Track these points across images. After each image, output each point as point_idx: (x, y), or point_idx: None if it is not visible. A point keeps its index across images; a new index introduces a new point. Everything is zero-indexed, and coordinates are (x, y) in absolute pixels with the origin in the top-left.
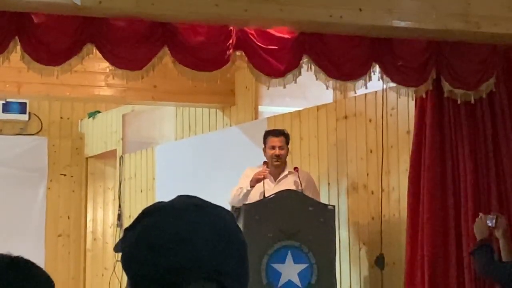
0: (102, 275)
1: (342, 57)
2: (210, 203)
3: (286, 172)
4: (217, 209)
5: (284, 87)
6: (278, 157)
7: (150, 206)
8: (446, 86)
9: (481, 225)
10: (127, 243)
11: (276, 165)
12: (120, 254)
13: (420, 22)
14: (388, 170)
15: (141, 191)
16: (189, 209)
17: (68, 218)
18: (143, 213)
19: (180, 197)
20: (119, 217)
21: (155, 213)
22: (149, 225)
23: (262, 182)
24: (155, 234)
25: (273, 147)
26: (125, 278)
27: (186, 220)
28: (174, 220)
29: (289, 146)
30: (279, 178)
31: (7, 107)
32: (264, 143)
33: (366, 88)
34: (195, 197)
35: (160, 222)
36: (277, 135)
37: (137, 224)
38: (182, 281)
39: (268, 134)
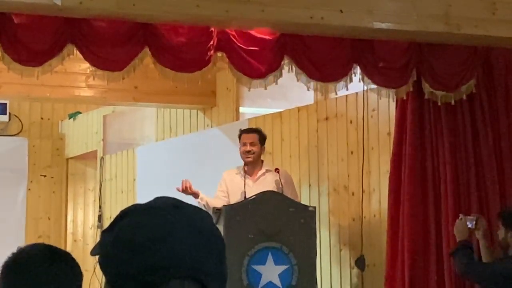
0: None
1: (323, 58)
2: (187, 203)
3: (264, 170)
4: (195, 209)
5: (265, 88)
6: (248, 152)
7: (127, 207)
8: (427, 88)
9: (461, 226)
10: (105, 244)
11: (247, 161)
12: (98, 256)
13: (401, 24)
14: (369, 171)
15: (122, 192)
16: (166, 208)
17: (49, 219)
18: (120, 215)
19: (157, 198)
20: (100, 218)
21: (132, 214)
22: (126, 225)
23: (243, 181)
24: (133, 233)
25: (245, 144)
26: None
27: (164, 219)
28: (152, 219)
29: (270, 147)
30: (257, 176)
31: None
32: (239, 141)
33: (347, 89)
34: (172, 198)
35: (137, 221)
36: (248, 132)
37: (115, 225)
38: (161, 279)
39: (241, 132)
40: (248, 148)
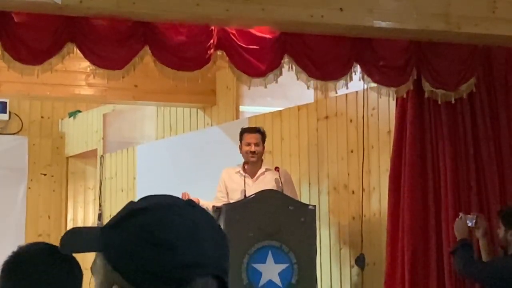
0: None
1: (323, 57)
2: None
3: (263, 169)
4: (201, 207)
5: (265, 87)
6: (253, 153)
7: (138, 204)
8: (427, 86)
9: (461, 225)
10: (119, 240)
11: (251, 161)
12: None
13: (401, 22)
14: (369, 170)
15: (122, 190)
16: (184, 207)
17: (49, 217)
18: (131, 212)
19: (156, 196)
20: (100, 217)
21: (152, 211)
22: (150, 221)
23: (243, 180)
24: (160, 230)
25: (249, 144)
26: None
27: (188, 217)
28: (177, 217)
29: (270, 146)
30: (257, 175)
31: None
32: (240, 140)
33: (347, 88)
34: (171, 195)
35: (161, 219)
36: (252, 132)
37: (126, 222)
38: (188, 277)
39: (243, 131)
40: (253, 148)
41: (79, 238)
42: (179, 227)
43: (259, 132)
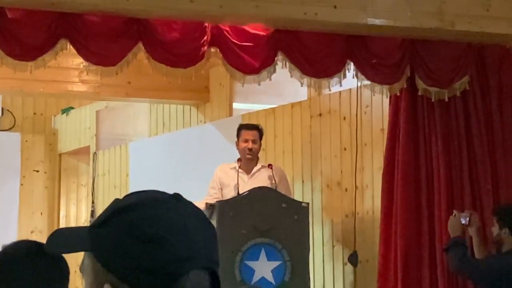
0: (75, 272)
1: (316, 54)
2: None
3: (259, 166)
4: (187, 200)
5: (259, 84)
6: (250, 150)
7: (124, 201)
8: (420, 84)
9: (455, 222)
10: (108, 238)
11: (248, 158)
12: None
13: (394, 20)
14: (362, 168)
15: (115, 187)
16: (171, 201)
17: (41, 214)
18: (118, 209)
19: (141, 192)
20: (92, 213)
21: (139, 206)
22: (138, 217)
23: (237, 177)
24: (149, 226)
25: (246, 141)
26: None
27: (175, 211)
28: (164, 211)
29: (264, 143)
30: (252, 172)
31: None
32: (237, 136)
33: (341, 85)
34: (157, 191)
35: (150, 214)
36: (250, 129)
37: (114, 219)
38: (181, 270)
39: (241, 127)
40: (251, 145)
41: (65, 238)
42: (167, 221)
43: (257, 129)
